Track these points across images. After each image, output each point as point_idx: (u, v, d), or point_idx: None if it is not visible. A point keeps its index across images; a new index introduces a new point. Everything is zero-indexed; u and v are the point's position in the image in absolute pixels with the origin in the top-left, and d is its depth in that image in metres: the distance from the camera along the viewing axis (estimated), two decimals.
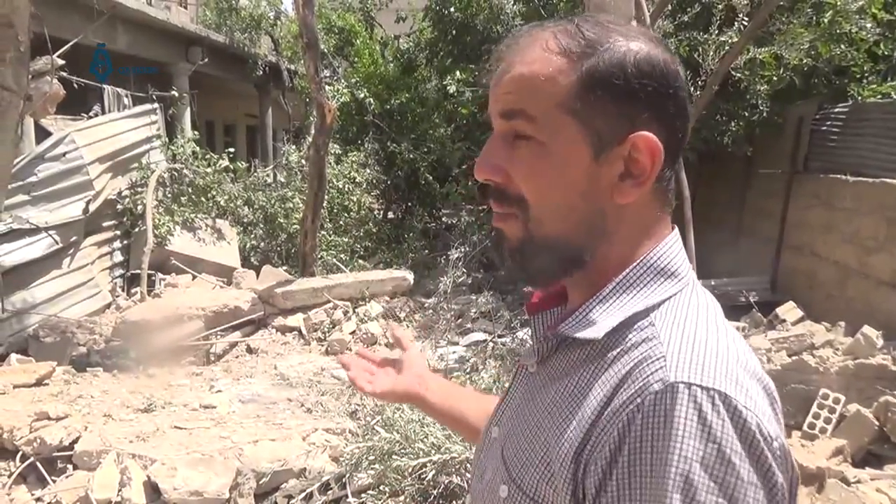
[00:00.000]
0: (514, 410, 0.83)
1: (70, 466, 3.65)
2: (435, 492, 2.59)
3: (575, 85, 0.72)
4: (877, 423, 4.13)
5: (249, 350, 6.02)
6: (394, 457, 2.70)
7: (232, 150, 9.41)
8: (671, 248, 0.77)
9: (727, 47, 6.44)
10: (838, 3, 6.49)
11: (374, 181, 10.01)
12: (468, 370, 3.68)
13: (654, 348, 0.68)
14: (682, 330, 0.69)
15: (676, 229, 0.81)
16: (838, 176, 6.59)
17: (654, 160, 0.72)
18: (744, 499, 0.60)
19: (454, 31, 9.98)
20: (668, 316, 0.71)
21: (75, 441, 3.75)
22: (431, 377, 1.24)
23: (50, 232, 6.19)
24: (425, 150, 10.15)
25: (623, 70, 0.71)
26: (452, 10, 9.83)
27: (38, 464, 3.64)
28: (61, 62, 6.61)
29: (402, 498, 2.65)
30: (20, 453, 3.71)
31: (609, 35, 0.73)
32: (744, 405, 0.62)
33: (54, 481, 3.53)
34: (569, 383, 0.74)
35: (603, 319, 0.73)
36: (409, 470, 2.64)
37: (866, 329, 4.80)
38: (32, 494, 3.47)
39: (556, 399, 0.74)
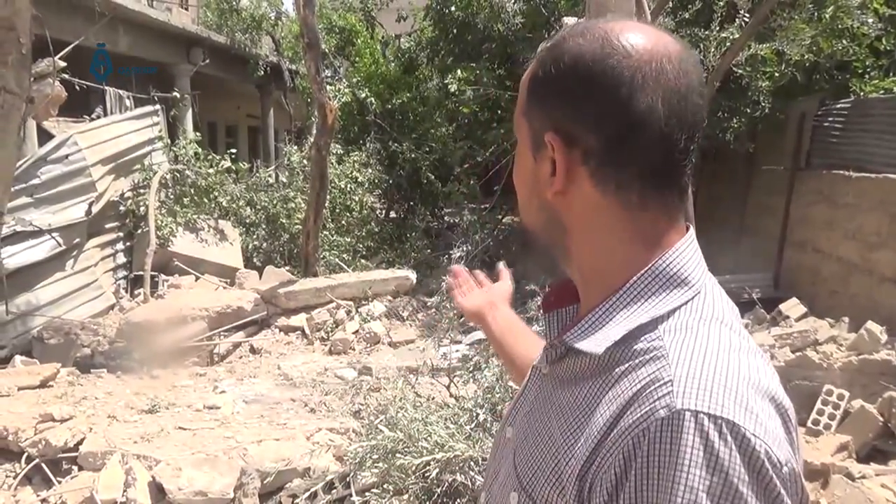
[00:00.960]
0: (526, 412, 0.84)
1: (75, 467, 3.66)
2: (439, 490, 2.59)
3: (526, 89, 0.79)
4: (881, 418, 4.12)
5: (253, 350, 6.03)
6: (397, 455, 2.70)
7: (234, 150, 9.42)
8: (682, 253, 0.75)
9: (728, 44, 6.43)
10: None
11: (376, 181, 10.01)
12: (471, 368, 3.67)
13: (662, 370, 0.66)
14: (692, 348, 0.67)
15: (692, 231, 0.79)
16: (841, 172, 6.57)
17: (561, 158, 0.74)
18: None
19: (455, 30, 9.98)
20: (677, 331, 0.70)
21: (80, 442, 3.76)
22: (504, 307, 1.34)
23: (53, 234, 6.20)
24: (427, 149, 10.16)
25: (547, 71, 0.75)
26: (453, 8, 9.83)
27: (44, 465, 3.65)
28: (63, 64, 6.62)
29: (405, 496, 2.66)
30: (25, 455, 3.72)
31: (565, 38, 0.75)
32: (752, 433, 0.61)
33: (59, 482, 3.54)
34: (577, 394, 0.74)
35: (607, 330, 0.72)
36: (413, 468, 2.64)
37: (870, 325, 4.79)
38: (38, 495, 3.47)
39: (564, 409, 0.75)
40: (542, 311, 0.90)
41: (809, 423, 4.33)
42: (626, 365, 0.69)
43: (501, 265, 1.45)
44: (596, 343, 0.72)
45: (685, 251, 0.76)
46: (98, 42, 8.85)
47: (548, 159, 0.75)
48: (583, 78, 0.71)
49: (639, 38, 0.72)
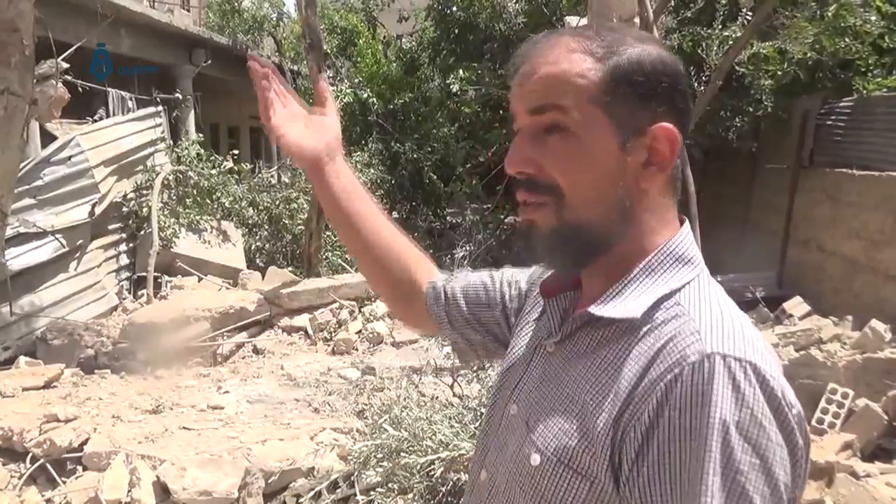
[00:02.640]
0: (533, 388, 0.87)
1: (79, 468, 3.67)
2: (443, 489, 2.59)
3: (603, 80, 0.78)
4: (885, 417, 4.11)
5: (256, 351, 6.03)
6: (402, 454, 2.70)
7: (236, 151, 9.43)
8: (686, 236, 0.84)
9: (731, 42, 6.43)
10: None
11: (379, 181, 10.02)
12: (475, 368, 3.67)
13: (687, 324, 0.74)
14: (710, 309, 0.76)
15: (687, 222, 0.87)
16: (844, 170, 6.56)
17: (673, 148, 0.80)
18: (773, 458, 0.67)
19: (457, 31, 9.98)
20: (692, 297, 0.78)
21: (84, 442, 3.76)
22: (340, 155, 1.15)
23: (56, 235, 6.21)
24: (429, 149, 10.16)
25: (643, 68, 0.79)
26: (455, 9, 9.84)
27: (48, 465, 3.66)
28: (66, 66, 6.63)
29: (410, 495, 2.65)
30: (30, 455, 3.73)
31: (624, 39, 0.81)
32: (771, 375, 0.69)
33: (64, 482, 3.54)
34: (599, 358, 0.79)
35: (634, 300, 0.78)
36: (418, 467, 2.64)
37: (874, 323, 4.78)
38: (43, 496, 3.48)
39: (586, 373, 0.79)
40: (543, 297, 0.93)
41: (814, 422, 4.32)
42: (648, 325, 0.76)
43: (322, 79, 1.21)
44: (631, 310, 0.77)
45: (689, 234, 0.85)
46: (99, 42, 8.86)
47: (642, 150, 0.79)
48: (671, 74, 0.80)
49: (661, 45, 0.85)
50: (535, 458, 0.79)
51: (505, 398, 0.92)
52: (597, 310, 0.79)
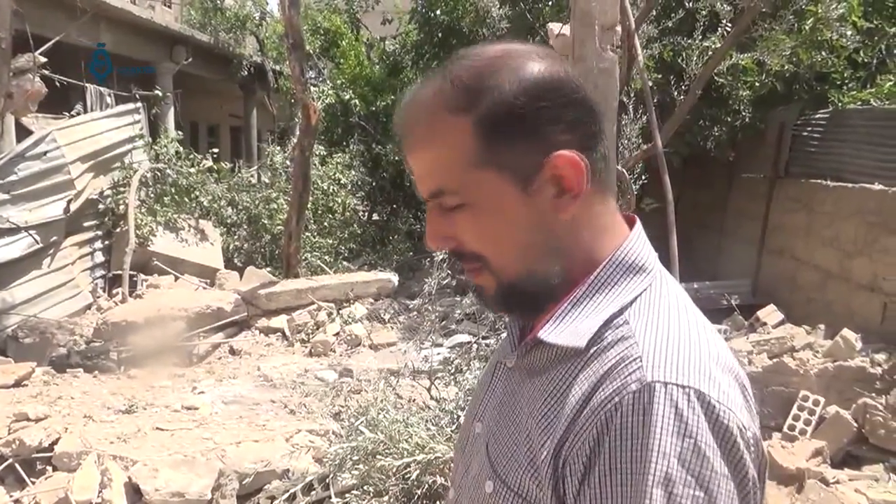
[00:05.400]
0: (495, 406, 0.85)
1: (49, 468, 3.61)
2: (419, 492, 2.59)
3: (474, 140, 0.73)
4: (855, 424, 4.18)
5: (232, 351, 5.98)
6: (378, 457, 2.69)
7: (216, 150, 9.35)
8: (636, 242, 0.80)
9: (710, 53, 6.50)
10: (819, 11, 6.57)
11: (359, 183, 9.99)
12: (453, 371, 3.67)
13: (631, 348, 0.70)
14: (657, 327, 0.72)
15: (639, 222, 0.83)
16: (819, 181, 6.67)
17: (578, 170, 0.74)
18: (717, 490, 0.64)
19: (440, 34, 9.99)
20: (641, 313, 0.74)
21: (55, 442, 3.71)
22: None
23: (30, 231, 6.12)
24: None
25: (515, 102, 0.73)
26: (438, 13, 9.84)
27: (17, 465, 3.59)
28: (43, 60, 6.55)
29: (385, 498, 2.65)
30: None
31: (487, 73, 0.74)
32: (717, 400, 0.66)
33: (33, 483, 3.49)
34: (548, 380, 0.76)
35: (582, 321, 0.75)
36: (394, 470, 2.64)
37: (845, 332, 4.86)
38: (11, 496, 3.42)
39: (536, 396, 0.76)
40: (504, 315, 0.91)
41: (785, 429, 4.38)
42: (596, 348, 0.73)
43: None
44: (575, 336, 0.74)
45: (638, 240, 0.80)
46: (81, 39, 8.76)
47: (547, 184, 0.74)
48: (552, 90, 0.74)
49: (529, 44, 0.79)
50: (489, 486, 0.78)
51: (472, 415, 0.90)
52: (544, 335, 0.76)
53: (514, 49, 0.77)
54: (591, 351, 0.73)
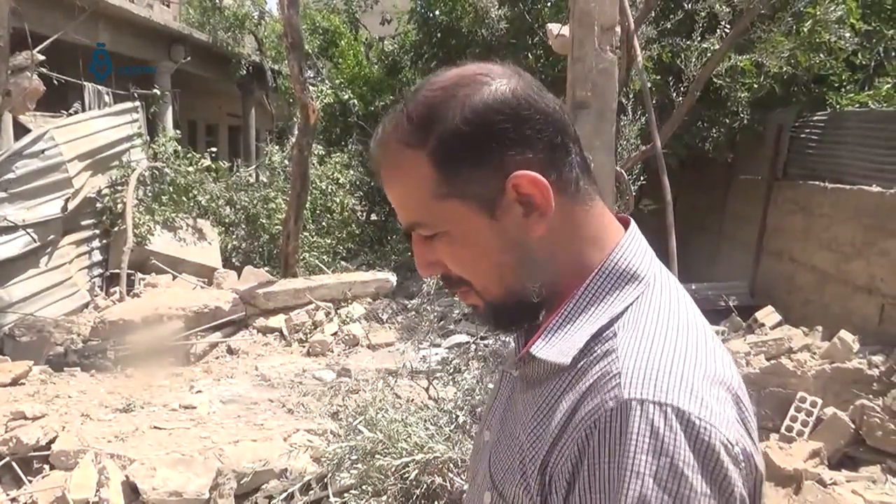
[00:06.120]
0: (500, 414, 0.86)
1: (46, 466, 3.60)
2: (418, 492, 2.59)
3: (433, 173, 0.75)
4: (853, 426, 4.18)
5: (230, 351, 5.97)
6: (376, 457, 2.69)
7: (214, 149, 9.34)
8: (628, 248, 0.79)
9: (709, 54, 6.51)
10: (818, 13, 6.59)
11: (358, 182, 9.99)
12: (451, 371, 3.67)
13: (612, 364, 0.69)
14: (641, 341, 0.71)
15: (633, 224, 0.83)
16: (817, 183, 6.68)
17: (542, 188, 0.74)
18: None
19: (439, 34, 9.99)
20: (629, 326, 0.73)
21: (52, 441, 3.70)
22: None
23: (27, 230, 6.10)
24: None
25: (462, 133, 0.73)
26: (437, 13, 9.85)
27: (14, 464, 3.58)
28: (41, 58, 6.53)
29: (384, 498, 2.65)
30: None
31: (436, 105, 0.75)
32: (697, 416, 0.64)
33: (30, 481, 3.48)
34: (540, 393, 0.76)
35: (570, 336, 0.75)
36: (392, 470, 2.64)
37: (843, 333, 4.87)
38: (7, 495, 3.41)
39: (528, 408, 0.77)
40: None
41: (783, 430, 4.39)
42: (584, 361, 0.73)
43: None
44: (561, 352, 0.74)
45: (631, 245, 0.79)
46: (79, 37, 8.74)
47: (513, 204, 0.75)
48: (505, 111, 0.74)
49: (482, 65, 0.79)
50: (487, 497, 0.79)
51: (484, 422, 0.92)
52: (535, 350, 0.76)
53: (464, 75, 0.77)
54: (580, 365, 0.72)
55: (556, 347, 0.75)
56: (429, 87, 0.77)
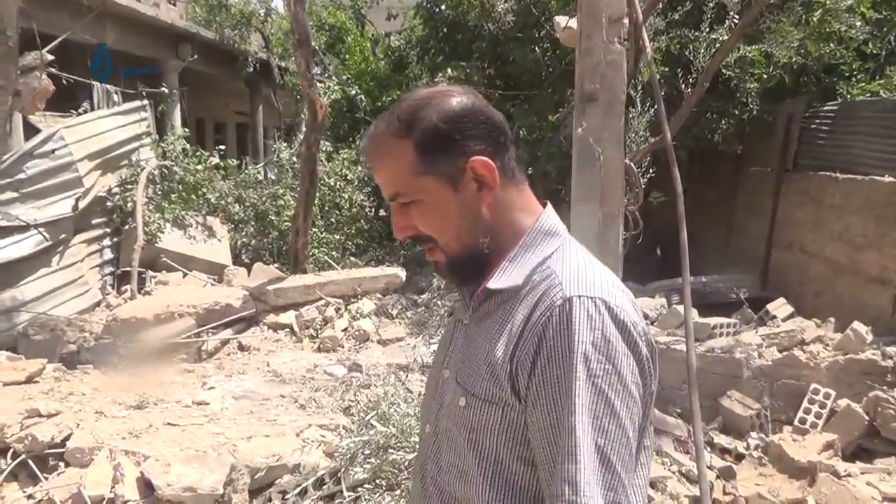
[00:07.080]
0: (458, 352, 1.12)
1: (62, 463, 3.62)
2: None
3: (415, 156, 1.05)
4: (867, 417, 4.17)
5: (241, 347, 5.99)
6: (389, 451, 2.69)
7: (222, 147, 9.35)
8: (550, 215, 1.12)
9: (718, 45, 6.46)
10: (828, 2, 6.53)
11: (366, 178, 9.98)
12: None
13: (553, 278, 1.02)
14: (570, 265, 1.04)
15: (549, 204, 1.14)
16: (828, 174, 6.63)
17: (490, 169, 1.06)
18: (621, 363, 0.95)
19: (445, 29, 9.95)
20: (558, 260, 1.05)
21: (67, 438, 3.72)
22: None
23: (39, 229, 6.14)
24: None
25: (439, 128, 1.05)
26: (443, 7, 9.81)
27: (30, 461, 3.61)
28: (50, 58, 6.56)
29: (398, 492, 2.65)
30: (11, 451, 3.68)
31: (420, 108, 1.06)
32: (615, 304, 0.98)
33: (46, 478, 3.50)
34: (497, 316, 1.05)
35: (517, 270, 1.06)
36: (406, 464, 2.64)
37: (856, 325, 4.84)
38: (24, 492, 3.44)
39: (489, 329, 1.05)
40: (457, 287, 1.20)
41: (796, 422, 4.37)
42: (528, 286, 1.04)
43: None
44: (513, 279, 1.05)
45: (551, 214, 1.13)
46: (86, 37, 8.78)
47: (470, 181, 1.06)
48: (466, 115, 1.06)
49: (448, 86, 1.14)
50: (462, 401, 1.05)
51: (439, 364, 1.18)
52: (492, 284, 1.07)
53: (439, 90, 1.10)
54: (526, 289, 1.03)
55: (508, 278, 1.05)
56: (412, 98, 1.09)
